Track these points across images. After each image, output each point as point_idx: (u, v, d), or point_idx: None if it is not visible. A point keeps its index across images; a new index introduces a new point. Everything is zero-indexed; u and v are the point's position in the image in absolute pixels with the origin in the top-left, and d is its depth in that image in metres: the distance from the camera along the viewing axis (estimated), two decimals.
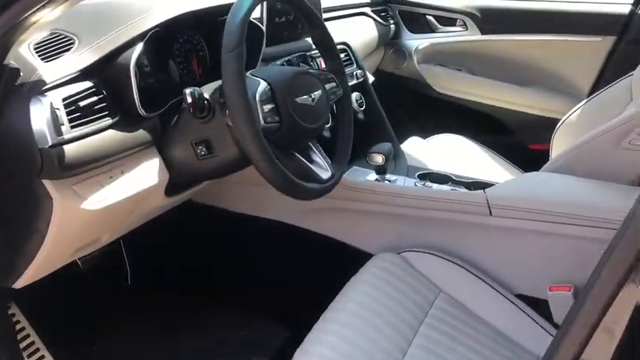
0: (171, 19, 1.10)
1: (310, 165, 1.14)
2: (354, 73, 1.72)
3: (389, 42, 2.35)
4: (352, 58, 1.75)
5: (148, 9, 1.10)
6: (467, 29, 2.24)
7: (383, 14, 2.25)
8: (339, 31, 1.89)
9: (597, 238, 1.20)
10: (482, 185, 1.52)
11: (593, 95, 1.66)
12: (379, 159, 1.48)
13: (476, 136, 2.12)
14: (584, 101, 1.68)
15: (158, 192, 1.16)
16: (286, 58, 1.37)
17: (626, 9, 1.96)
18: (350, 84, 1.69)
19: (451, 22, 2.28)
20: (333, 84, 1.22)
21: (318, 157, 1.19)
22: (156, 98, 1.12)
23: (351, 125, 1.26)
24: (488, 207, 1.32)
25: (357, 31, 2.03)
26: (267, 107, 1.03)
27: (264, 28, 1.36)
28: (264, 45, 1.35)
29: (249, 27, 1.31)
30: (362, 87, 1.75)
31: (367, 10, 2.15)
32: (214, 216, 1.65)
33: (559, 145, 1.67)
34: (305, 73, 1.13)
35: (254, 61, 1.32)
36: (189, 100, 0.99)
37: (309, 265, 1.58)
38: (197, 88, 1.01)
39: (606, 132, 1.28)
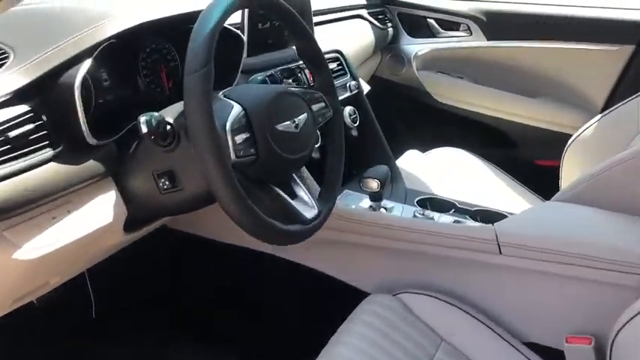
0: (129, 29, 0.93)
1: (292, 201, 0.98)
2: (348, 85, 1.55)
3: (386, 47, 2.18)
4: (345, 68, 1.58)
5: (103, 17, 0.93)
6: (471, 34, 2.08)
7: (380, 17, 2.08)
8: (332, 35, 1.73)
9: (622, 284, 1.05)
10: (490, 216, 1.36)
11: (609, 110, 1.51)
12: (374, 185, 1.31)
13: (478, 149, 1.97)
14: (599, 116, 1.53)
15: (115, 229, 0.99)
16: (268, 73, 1.20)
17: None
18: (343, 97, 1.53)
19: (454, 26, 2.11)
20: (322, 104, 1.06)
21: (303, 191, 1.02)
22: (113, 120, 0.95)
23: (341, 153, 1.10)
24: (498, 244, 1.16)
25: (351, 36, 1.86)
26: (241, 137, 0.86)
27: (244, 36, 1.19)
28: (244, 55, 1.18)
29: (227, 35, 1.15)
30: (356, 100, 1.59)
31: (363, 12, 1.98)
32: (191, 244, 1.49)
33: (571, 164, 1.54)
34: (287, 93, 0.96)
35: (231, 76, 1.15)
36: (144, 129, 0.82)
37: (292, 302, 1.42)
38: (155, 113, 0.84)
39: (626, 160, 1.12)
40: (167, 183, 0.92)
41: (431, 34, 2.15)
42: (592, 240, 1.09)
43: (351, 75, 1.58)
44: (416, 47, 2.17)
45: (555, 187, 1.50)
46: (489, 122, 2.10)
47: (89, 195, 0.92)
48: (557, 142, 1.87)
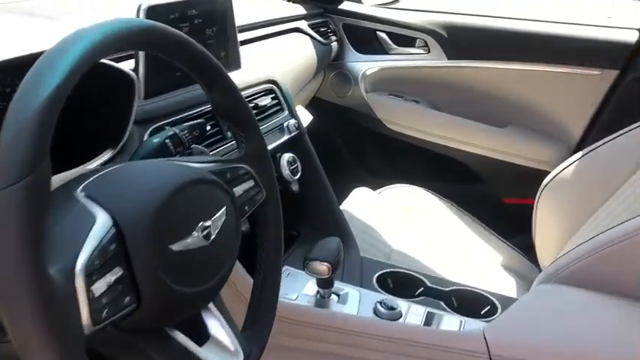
0: None
1: (200, 349, 0.60)
2: (286, 125, 1.19)
3: (330, 64, 1.83)
4: (282, 103, 1.21)
5: None
6: (429, 52, 1.76)
7: (323, 29, 1.72)
8: (264, 57, 1.36)
9: None
10: (468, 299, 1.14)
11: (595, 146, 1.27)
12: (324, 269, 0.96)
13: (438, 185, 1.68)
14: (581, 153, 1.29)
15: None
16: (170, 132, 0.80)
17: (633, 36, 1.53)
18: (280, 141, 1.17)
19: (409, 41, 1.78)
20: (250, 183, 0.69)
21: (220, 327, 0.64)
22: None
23: (278, 258, 0.73)
24: (489, 356, 0.85)
25: (289, 56, 1.50)
26: (106, 282, 0.48)
27: (138, 75, 0.80)
28: (135, 102, 0.79)
29: (115, 76, 0.76)
30: (296, 143, 1.23)
31: (302, 24, 1.61)
32: None
33: (547, 207, 1.33)
34: (193, 183, 0.58)
35: (118, 131, 0.77)
36: None
37: None
38: None
39: (632, 235, 0.88)
40: None
41: (382, 49, 1.81)
42: (612, 349, 0.81)
43: (289, 112, 1.22)
44: (364, 65, 1.83)
45: (526, 230, 1.38)
46: (450, 154, 1.79)
47: None
48: (528, 178, 1.63)
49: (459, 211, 1.60)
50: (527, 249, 1.51)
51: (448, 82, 1.76)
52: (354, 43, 1.84)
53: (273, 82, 1.21)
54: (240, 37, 1.12)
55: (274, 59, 1.40)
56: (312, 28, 1.64)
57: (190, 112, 0.93)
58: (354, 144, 1.92)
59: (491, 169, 1.77)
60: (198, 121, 0.88)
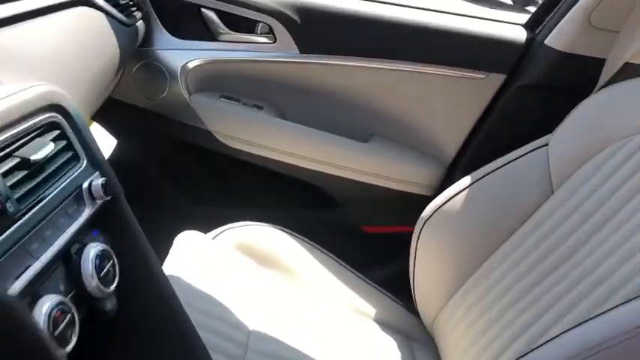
0: None
1: None
2: (87, 187, 0.65)
3: (135, 52, 1.25)
4: (76, 145, 0.67)
5: None
6: (275, 41, 1.29)
7: (123, 2, 1.13)
8: (30, 52, 0.77)
9: None
10: None
11: (490, 168, 1.06)
12: None
13: (288, 218, 1.27)
14: (471, 178, 1.06)
15: None
16: None
17: (521, 34, 1.28)
18: (76, 225, 0.63)
19: (248, 25, 1.30)
20: None
21: None
22: None
23: None
24: None
25: (73, 46, 0.90)
26: None
27: None
28: None
29: None
30: (107, 217, 0.69)
31: None
32: None
33: (428, 250, 1.08)
34: None
35: None
36: None
37: None
38: None
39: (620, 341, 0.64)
40: None
41: (209, 35, 1.29)
42: None
43: (90, 160, 0.67)
44: (184, 55, 1.29)
45: (393, 262, 1.27)
46: (301, 176, 1.38)
47: None
48: (397, 203, 1.38)
49: (316, 250, 1.23)
50: (399, 290, 1.21)
51: (299, 82, 1.33)
52: (167, 22, 1.29)
53: (57, 107, 0.65)
54: None
55: (48, 56, 0.81)
56: (107, 1, 1.05)
57: None
58: (171, 167, 1.39)
59: (351, 192, 1.40)
60: None
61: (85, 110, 0.95)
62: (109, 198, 0.67)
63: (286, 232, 1.21)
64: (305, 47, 1.29)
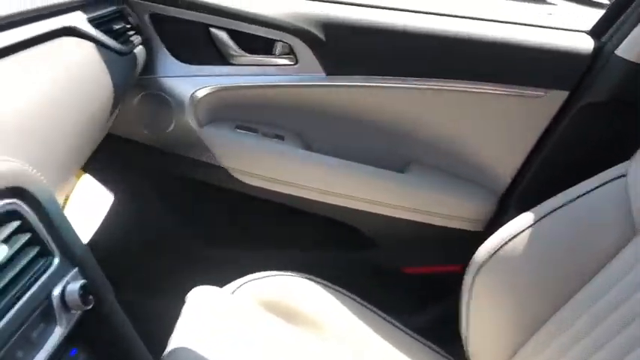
0: None
1: None
2: (57, 297, 0.48)
3: (136, 81, 1.09)
4: (45, 237, 0.50)
5: None
6: (296, 62, 1.12)
7: (117, 27, 0.96)
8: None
9: None
10: None
11: (554, 207, 0.90)
12: None
13: (314, 260, 1.19)
14: (534, 213, 0.90)
15: None
16: None
17: (587, 44, 1.09)
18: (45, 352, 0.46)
19: (265, 46, 1.13)
20: None
21: None
22: None
23: None
24: None
25: (54, 94, 0.73)
26: None
27: None
28: None
29: None
30: (90, 328, 0.52)
31: (78, 20, 0.84)
32: None
33: (484, 298, 0.93)
34: None
35: None
36: None
37: None
38: None
39: None
40: None
41: (220, 57, 1.12)
42: None
43: (62, 255, 0.50)
44: (193, 82, 1.12)
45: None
46: (331, 215, 1.21)
47: None
48: (439, 239, 1.22)
49: (349, 299, 1.07)
50: (444, 337, 1.06)
51: (326, 108, 1.15)
52: (172, 46, 1.12)
53: (19, 191, 0.48)
54: None
55: (18, 106, 0.64)
56: (96, 27, 0.88)
57: None
58: (181, 210, 1.23)
59: (388, 230, 1.23)
60: None
61: (72, 163, 0.78)
62: (87, 308, 0.50)
63: (315, 282, 1.06)
64: (332, 68, 1.12)
